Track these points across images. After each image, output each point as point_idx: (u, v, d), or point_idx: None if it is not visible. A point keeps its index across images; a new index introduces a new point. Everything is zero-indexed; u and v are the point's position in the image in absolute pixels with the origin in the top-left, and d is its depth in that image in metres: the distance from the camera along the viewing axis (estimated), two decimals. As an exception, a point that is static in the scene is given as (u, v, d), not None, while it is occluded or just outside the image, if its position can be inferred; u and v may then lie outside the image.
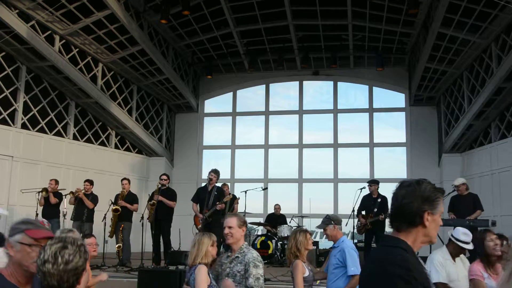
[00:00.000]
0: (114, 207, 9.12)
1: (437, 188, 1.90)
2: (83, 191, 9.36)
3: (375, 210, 8.98)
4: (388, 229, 9.72)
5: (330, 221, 4.67)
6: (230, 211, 10.05)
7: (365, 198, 9.24)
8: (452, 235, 4.43)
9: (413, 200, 1.84)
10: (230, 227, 3.85)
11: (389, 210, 1.95)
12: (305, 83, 15.12)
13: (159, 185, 9.00)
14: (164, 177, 9.16)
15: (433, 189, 1.88)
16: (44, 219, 2.27)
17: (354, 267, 4.39)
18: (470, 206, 8.32)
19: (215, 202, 8.40)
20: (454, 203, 8.52)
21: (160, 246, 9.00)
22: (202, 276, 3.73)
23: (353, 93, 15.40)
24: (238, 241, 3.86)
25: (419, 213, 1.84)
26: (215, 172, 8.64)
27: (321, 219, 4.83)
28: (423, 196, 1.85)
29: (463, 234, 4.39)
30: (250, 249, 3.88)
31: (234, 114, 15.38)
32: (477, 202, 8.46)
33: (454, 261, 4.37)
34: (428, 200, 1.85)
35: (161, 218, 8.86)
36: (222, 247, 9.78)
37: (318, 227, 4.86)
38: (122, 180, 9.59)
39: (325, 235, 4.83)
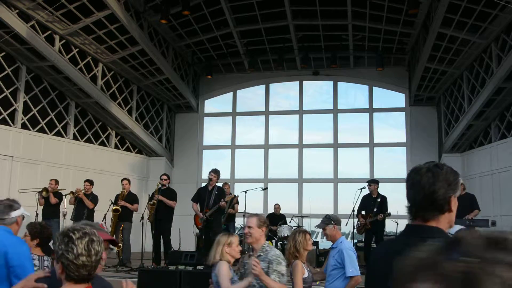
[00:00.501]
0: (114, 207, 9.12)
1: (453, 169, 1.82)
2: (83, 191, 9.36)
3: (375, 209, 8.98)
4: (388, 228, 9.74)
5: (330, 221, 4.67)
6: (231, 208, 10.10)
7: (365, 198, 9.24)
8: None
9: (440, 186, 1.72)
10: (249, 227, 3.92)
11: (414, 200, 1.78)
12: (305, 83, 15.12)
13: (159, 185, 9.01)
14: (164, 177, 9.16)
15: (452, 171, 1.78)
16: (103, 222, 2.55)
17: (353, 268, 4.39)
18: (467, 206, 8.31)
19: (216, 202, 8.40)
20: None
21: (161, 246, 9.00)
22: (223, 271, 3.88)
23: (353, 93, 15.42)
24: (257, 240, 3.92)
25: (447, 198, 1.74)
26: (215, 172, 8.64)
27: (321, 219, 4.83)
28: (447, 180, 1.74)
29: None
30: (272, 248, 3.95)
31: (234, 114, 15.38)
32: (474, 202, 8.46)
33: None
34: (452, 184, 1.75)
35: (161, 218, 8.86)
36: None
37: (318, 226, 4.86)
38: (122, 180, 9.59)
39: (324, 235, 4.82)
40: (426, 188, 1.73)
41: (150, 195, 9.08)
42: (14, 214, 3.19)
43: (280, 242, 10.06)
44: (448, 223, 1.78)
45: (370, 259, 2.03)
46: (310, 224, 12.64)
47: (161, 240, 9.01)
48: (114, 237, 9.23)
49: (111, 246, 2.83)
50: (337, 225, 4.72)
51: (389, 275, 1.71)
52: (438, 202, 1.73)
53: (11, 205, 3.22)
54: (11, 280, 2.99)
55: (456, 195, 1.76)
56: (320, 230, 4.96)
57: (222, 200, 8.45)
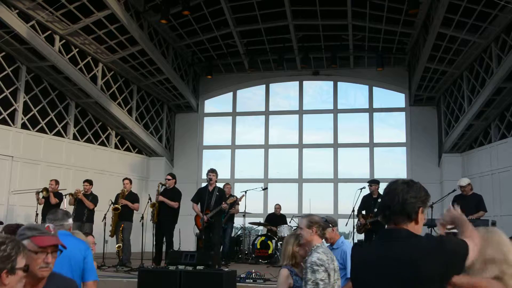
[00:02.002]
0: (114, 206, 9.09)
1: (425, 189, 2.08)
2: (82, 191, 9.34)
3: (375, 210, 8.97)
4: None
5: (328, 224, 4.66)
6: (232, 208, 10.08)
7: (365, 198, 9.24)
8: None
9: (412, 196, 1.99)
10: (300, 228, 3.87)
11: (388, 205, 2.04)
12: (305, 83, 15.11)
13: (160, 185, 8.98)
14: (169, 177, 9.11)
15: (424, 189, 2.05)
16: (50, 224, 2.49)
17: None
18: (472, 207, 8.26)
19: (217, 203, 8.38)
20: (457, 202, 8.48)
21: (162, 247, 8.96)
22: (281, 279, 3.90)
23: (353, 93, 15.40)
24: (308, 242, 3.79)
25: (415, 208, 1.98)
26: (214, 171, 8.62)
27: None
28: (419, 194, 2.01)
29: None
30: (315, 252, 3.68)
31: (234, 114, 15.37)
32: (481, 203, 8.37)
33: None
34: (422, 198, 2.01)
35: (163, 219, 8.82)
36: (222, 246, 9.80)
37: None
38: (123, 180, 9.55)
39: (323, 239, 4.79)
40: (400, 195, 2.00)
41: (154, 198, 9.02)
42: (70, 220, 3.61)
43: (280, 242, 10.07)
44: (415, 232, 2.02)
45: (355, 263, 2.18)
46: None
47: (164, 240, 8.96)
48: (115, 236, 9.23)
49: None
50: (335, 227, 4.72)
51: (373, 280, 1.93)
52: (407, 209, 1.98)
53: (67, 212, 3.67)
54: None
55: (424, 210, 2.02)
56: None
57: (224, 202, 8.42)
